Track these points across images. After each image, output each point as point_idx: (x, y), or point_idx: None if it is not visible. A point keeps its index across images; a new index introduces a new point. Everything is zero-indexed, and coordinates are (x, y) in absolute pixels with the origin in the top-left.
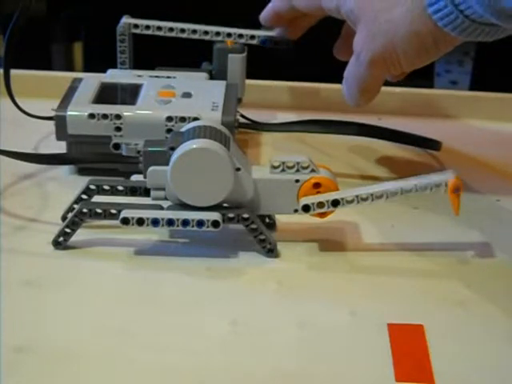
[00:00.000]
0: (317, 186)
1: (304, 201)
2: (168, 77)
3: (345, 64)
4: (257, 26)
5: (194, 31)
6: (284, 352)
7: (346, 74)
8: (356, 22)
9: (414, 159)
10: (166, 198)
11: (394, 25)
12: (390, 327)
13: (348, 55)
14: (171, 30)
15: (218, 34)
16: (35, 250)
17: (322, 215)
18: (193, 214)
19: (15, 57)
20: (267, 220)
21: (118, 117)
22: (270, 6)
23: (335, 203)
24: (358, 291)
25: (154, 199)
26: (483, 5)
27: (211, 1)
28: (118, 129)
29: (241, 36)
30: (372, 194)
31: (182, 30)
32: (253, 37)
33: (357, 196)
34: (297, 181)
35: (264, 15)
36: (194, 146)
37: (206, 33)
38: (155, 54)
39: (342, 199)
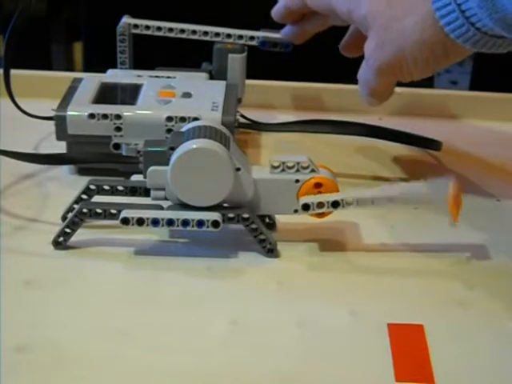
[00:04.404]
0: (318, 185)
1: (304, 200)
2: (168, 77)
3: (345, 65)
4: (256, 27)
5: (194, 32)
6: (284, 352)
7: (358, 75)
8: (368, 29)
9: (414, 159)
10: (166, 198)
11: (404, 34)
12: (390, 327)
13: (354, 52)
14: (171, 30)
15: (217, 34)
16: (35, 250)
17: (321, 215)
18: (193, 214)
19: (15, 57)
20: (267, 220)
21: (118, 117)
22: (282, 0)
23: (335, 204)
24: (358, 291)
25: (154, 199)
26: (493, 18)
27: (211, 1)
28: (118, 129)
29: (240, 37)
30: (372, 198)
31: (182, 31)
32: (252, 38)
33: (357, 200)
34: (297, 181)
35: (276, 9)
36: (194, 146)
37: (206, 33)
38: (155, 54)
39: (342, 201)
